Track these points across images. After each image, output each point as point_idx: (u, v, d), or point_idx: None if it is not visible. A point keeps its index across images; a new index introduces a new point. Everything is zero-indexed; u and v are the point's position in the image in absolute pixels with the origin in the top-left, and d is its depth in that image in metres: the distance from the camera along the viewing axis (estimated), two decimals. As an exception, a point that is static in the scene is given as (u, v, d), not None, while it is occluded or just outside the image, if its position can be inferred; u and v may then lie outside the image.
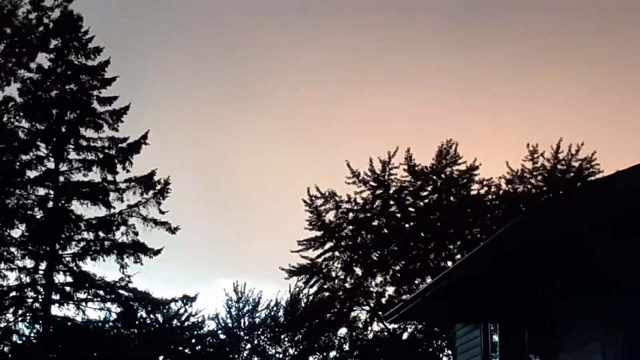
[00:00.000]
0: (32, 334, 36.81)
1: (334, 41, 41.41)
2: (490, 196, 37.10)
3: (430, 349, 36.68)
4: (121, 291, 36.84)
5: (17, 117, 36.24)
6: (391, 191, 37.18)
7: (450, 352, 33.95)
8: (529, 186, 36.65)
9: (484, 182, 37.10)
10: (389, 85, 43.24)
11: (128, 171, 36.67)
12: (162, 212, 36.76)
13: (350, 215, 37.26)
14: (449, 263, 35.02)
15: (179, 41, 42.91)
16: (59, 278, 36.34)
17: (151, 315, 39.13)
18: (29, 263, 36.20)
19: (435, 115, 44.18)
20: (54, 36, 36.60)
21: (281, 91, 44.36)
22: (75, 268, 36.30)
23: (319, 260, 37.49)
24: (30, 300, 36.35)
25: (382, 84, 43.15)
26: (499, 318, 17.06)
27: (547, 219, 12.15)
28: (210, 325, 43.00)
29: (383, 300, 36.83)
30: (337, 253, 37.47)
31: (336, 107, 44.31)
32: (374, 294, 37.45)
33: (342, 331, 38.63)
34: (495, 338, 17.72)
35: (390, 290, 37.17)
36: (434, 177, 37.09)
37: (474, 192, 37.19)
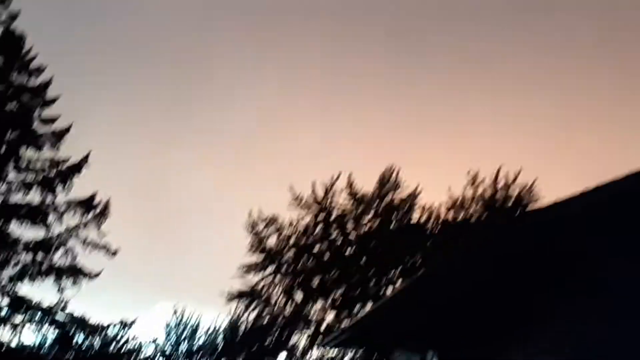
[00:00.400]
0: (-34, 357, 36.22)
1: (277, 60, 41.41)
2: (431, 223, 37.27)
3: (370, 376, 36.65)
4: (58, 315, 36.38)
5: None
6: (333, 217, 37.23)
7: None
8: (470, 212, 36.89)
9: (425, 209, 37.35)
10: (332, 110, 43.30)
11: (68, 192, 36.34)
12: (102, 235, 36.45)
13: (292, 240, 37.23)
14: (389, 290, 35.08)
15: (121, 61, 42.60)
16: (-5, 300, 35.88)
17: (88, 340, 38.69)
18: (-37, 285, 35.68)
19: (377, 142, 44.24)
20: (-5, 55, 36.21)
21: (224, 113, 44.19)
22: (11, 291, 35.79)
23: (260, 285, 37.39)
24: (-36, 323, 35.77)
25: (325, 109, 43.20)
26: (437, 346, 17.09)
27: (485, 247, 12.24)
28: (149, 351, 42.68)
29: (323, 326, 36.77)
30: (277, 278, 37.39)
31: (279, 131, 44.27)
32: (314, 320, 37.39)
33: (282, 357, 38.52)
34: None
35: (330, 316, 37.18)
36: (376, 204, 37.22)
37: (415, 219, 37.38)
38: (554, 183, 36.27)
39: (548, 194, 36.00)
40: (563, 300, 12.53)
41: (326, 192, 37.18)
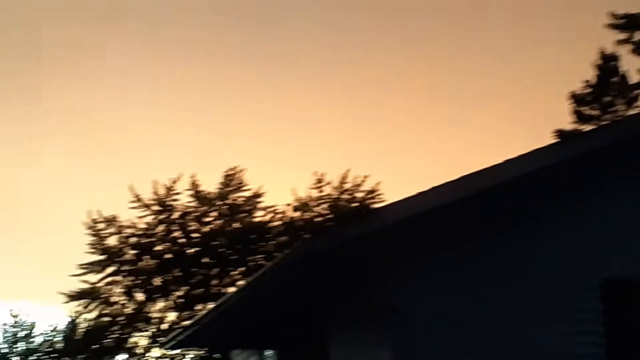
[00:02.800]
0: None
1: (115, 52, 40.82)
2: (275, 223, 37.42)
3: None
4: None
5: None
6: (175, 216, 36.99)
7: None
8: (315, 213, 37.20)
9: (269, 209, 37.48)
10: (173, 107, 43.04)
11: None
12: None
13: (133, 239, 36.80)
14: (232, 289, 35.02)
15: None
16: None
17: None
18: None
19: (222, 142, 44.21)
20: None
21: (66, 110, 43.35)
22: None
23: (100, 284, 36.82)
24: None
25: (166, 105, 42.91)
26: (275, 344, 17.18)
27: (321, 244, 12.35)
28: (-17, 351, 41.64)
29: (164, 326, 36.48)
30: (118, 278, 36.90)
31: (122, 126, 43.72)
32: (155, 320, 37.06)
33: (122, 357, 38.05)
34: (273, 364, 17.85)
35: (171, 316, 36.89)
36: (219, 203, 37.16)
37: (258, 219, 37.47)
38: (399, 184, 37.04)
39: (392, 196, 36.60)
40: (399, 297, 12.76)
41: (168, 191, 36.91)
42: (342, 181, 37.39)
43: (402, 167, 41.09)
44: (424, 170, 38.17)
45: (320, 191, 37.41)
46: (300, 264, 12.56)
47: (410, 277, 12.77)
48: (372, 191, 37.13)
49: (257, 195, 37.50)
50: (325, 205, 37.28)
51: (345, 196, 37.27)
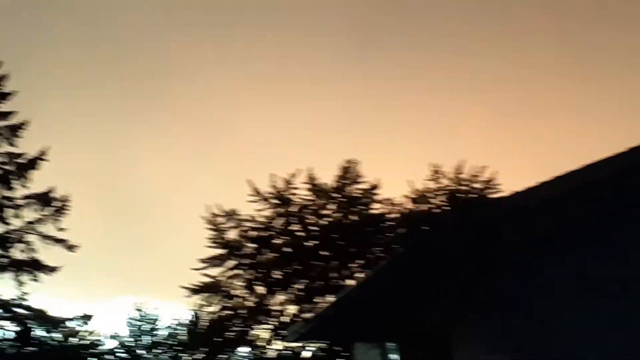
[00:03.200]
0: None
1: (236, 55, 41.27)
2: (392, 215, 37.37)
3: (331, 368, 36.68)
4: (17, 309, 36.18)
5: None
6: (293, 209, 37.23)
7: (351, 370, 33.97)
8: (432, 205, 37.04)
9: (386, 201, 37.44)
10: (292, 102, 43.24)
11: (26, 187, 36.10)
12: (61, 229, 36.26)
13: (252, 233, 37.18)
14: (351, 282, 35.08)
15: (77, 55, 42.29)
16: (-46, 296, 35.64)
17: (49, 334, 38.53)
18: None
19: (338, 135, 44.28)
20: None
21: (184, 105, 44.03)
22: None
23: (221, 278, 37.30)
24: None
25: (285, 101, 43.14)
26: (397, 337, 17.12)
27: (444, 237, 12.26)
28: (110, 344, 42.59)
29: (284, 319, 36.76)
30: (239, 271, 37.33)
31: (240, 123, 44.15)
32: (276, 313, 37.37)
33: (244, 350, 38.46)
34: (396, 357, 17.78)
35: (292, 309, 37.14)
36: (336, 196, 37.27)
37: (375, 211, 37.47)
38: (515, 175, 36.50)
39: (509, 186, 36.16)
40: (519, 291, 12.60)
41: (286, 185, 37.19)
42: (459, 172, 37.18)
43: (517, 157, 40.48)
44: (540, 159, 37.46)
45: (437, 182, 37.26)
46: (423, 252, 12.49)
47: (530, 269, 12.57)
48: (489, 181, 36.83)
49: (373, 187, 37.53)
50: (442, 197, 37.10)
51: (462, 187, 37.03)
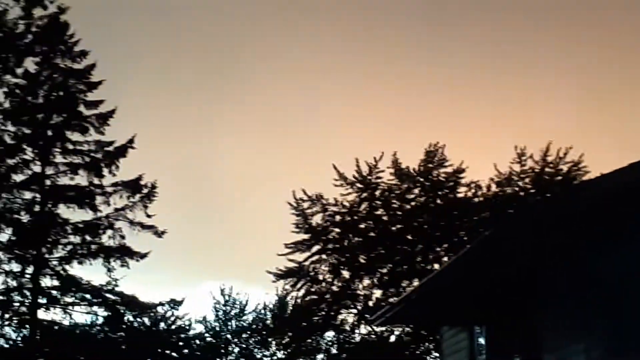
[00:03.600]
0: (19, 338, 36.73)
1: (317, 43, 41.42)
2: (477, 199, 37.11)
3: (418, 352, 36.67)
4: (108, 295, 36.79)
5: (3, 121, 36.11)
6: (378, 194, 37.17)
7: (437, 354, 33.95)
8: (517, 189, 36.68)
9: (471, 185, 37.15)
10: (376, 87, 43.27)
11: (114, 175, 36.60)
12: (149, 216, 36.73)
13: (337, 218, 37.19)
14: (436, 266, 35.01)
15: (163, 45, 42.87)
16: (46, 282, 36.31)
17: (138, 319, 39.14)
18: (15, 267, 36.07)
19: (422, 118, 44.21)
20: (41, 42, 36.34)
21: (267, 93, 44.37)
22: (62, 272, 36.20)
23: (306, 263, 37.41)
24: (17, 304, 36.23)
25: (368, 86, 43.19)
26: (485, 321, 17.08)
27: (530, 222, 12.16)
28: (198, 329, 43.14)
29: (370, 303, 36.78)
30: (324, 256, 37.40)
31: (322, 109, 44.33)
32: (361, 297, 37.42)
33: (330, 334, 38.61)
34: (482, 341, 17.75)
35: (377, 293, 37.16)
36: (421, 180, 37.09)
37: (460, 195, 37.23)
38: (603, 156, 36.04)
39: (596, 168, 35.67)
40: (607, 278, 12.45)
41: (371, 170, 37.13)
42: (545, 154, 36.67)
43: (604, 137, 39.94)
44: (628, 140, 36.89)
45: (522, 165, 36.83)
46: (509, 237, 12.39)
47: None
48: (576, 163, 36.26)
49: (458, 171, 37.21)
50: (527, 180, 36.70)
51: (548, 169, 36.57)
